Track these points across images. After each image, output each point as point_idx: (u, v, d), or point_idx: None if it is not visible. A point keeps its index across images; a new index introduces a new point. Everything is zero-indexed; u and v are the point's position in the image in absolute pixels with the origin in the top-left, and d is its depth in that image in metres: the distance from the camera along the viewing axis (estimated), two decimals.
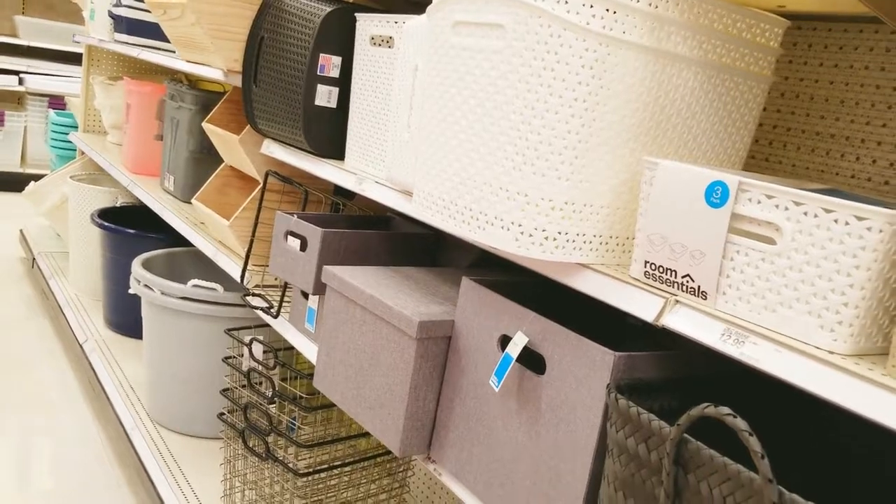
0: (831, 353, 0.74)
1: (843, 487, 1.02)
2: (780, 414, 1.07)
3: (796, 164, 1.25)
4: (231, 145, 1.95)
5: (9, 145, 5.81)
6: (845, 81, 1.17)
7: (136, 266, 2.38)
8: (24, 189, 4.03)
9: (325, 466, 1.83)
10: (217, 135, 2.02)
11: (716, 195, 0.81)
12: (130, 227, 2.95)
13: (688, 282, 0.86)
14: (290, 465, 1.78)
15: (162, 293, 2.24)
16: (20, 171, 5.81)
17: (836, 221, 0.72)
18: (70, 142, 4.37)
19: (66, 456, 2.43)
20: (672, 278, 0.88)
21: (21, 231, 4.28)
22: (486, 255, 1.63)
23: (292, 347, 2.07)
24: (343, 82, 1.60)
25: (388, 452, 1.95)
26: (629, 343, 1.31)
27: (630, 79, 0.91)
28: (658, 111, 0.96)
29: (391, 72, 1.43)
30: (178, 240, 2.85)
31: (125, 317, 3.02)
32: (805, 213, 0.75)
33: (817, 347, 0.75)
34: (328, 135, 1.61)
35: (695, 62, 0.97)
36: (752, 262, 0.79)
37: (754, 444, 0.72)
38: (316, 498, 1.88)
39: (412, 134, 1.23)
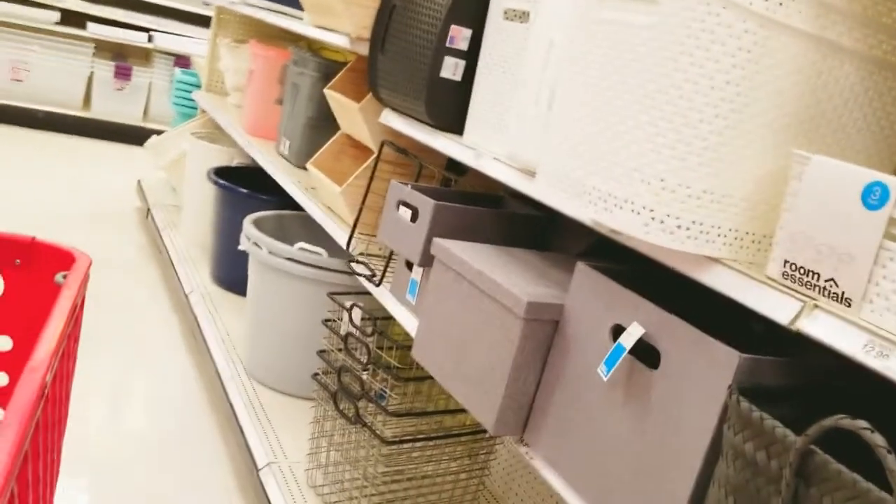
0: None
1: None
2: None
3: None
4: (350, 113, 1.96)
5: (134, 99, 6.08)
6: None
7: (248, 224, 2.44)
8: (144, 142, 4.21)
9: (411, 438, 1.83)
10: (337, 101, 2.05)
11: (874, 196, 0.76)
12: (243, 186, 3.03)
13: (831, 286, 0.81)
14: (378, 432, 1.79)
15: (269, 252, 2.29)
16: (142, 125, 6.07)
17: None
18: (192, 100, 4.53)
19: (164, 399, 2.53)
20: (814, 281, 0.83)
21: (139, 182, 4.47)
22: (598, 244, 1.59)
23: (390, 317, 2.08)
24: (470, 56, 1.59)
25: (474, 433, 1.94)
26: (748, 347, 1.26)
27: (788, 66, 0.86)
28: (813, 104, 0.90)
29: (522, 47, 1.40)
30: (287, 203, 2.91)
31: (231, 273, 3.11)
32: None
33: None
34: (449, 108, 1.60)
35: (858, 56, 0.91)
36: None
37: (891, 462, 0.67)
38: (398, 467, 1.89)
39: (541, 111, 1.20)
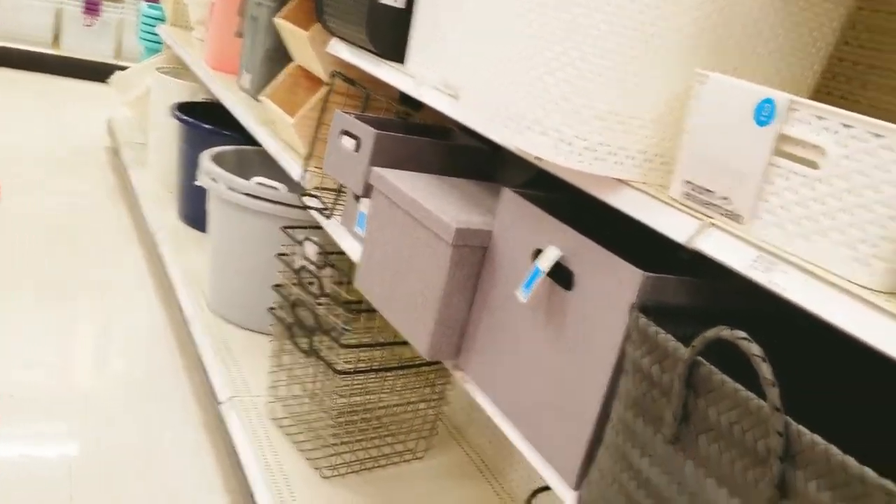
0: (863, 287, 0.70)
1: (870, 434, 0.98)
2: (813, 360, 1.02)
3: (875, 105, 1.17)
4: (300, 42, 1.94)
5: (104, 36, 5.96)
6: None
7: (205, 159, 2.42)
8: None
9: (364, 368, 1.86)
10: (287, 31, 2.02)
11: (764, 113, 0.77)
12: (208, 122, 3.00)
13: (725, 204, 0.82)
14: (331, 363, 1.82)
15: (227, 187, 2.29)
16: (114, 62, 5.97)
17: (885, 147, 0.67)
18: (158, 34, 4.45)
19: (132, 337, 2.55)
20: (710, 200, 0.84)
21: (108, 120, 4.42)
22: (541, 175, 1.60)
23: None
24: None
25: (428, 363, 1.97)
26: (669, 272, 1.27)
27: None
28: (720, 24, 0.90)
29: None
30: (251, 139, 2.89)
31: (196, 210, 3.11)
32: (853, 137, 0.70)
33: (850, 281, 0.71)
34: (392, 36, 1.59)
35: None
36: (792, 186, 0.75)
37: (765, 370, 0.69)
38: (354, 398, 1.93)
39: (463, 34, 1.20)
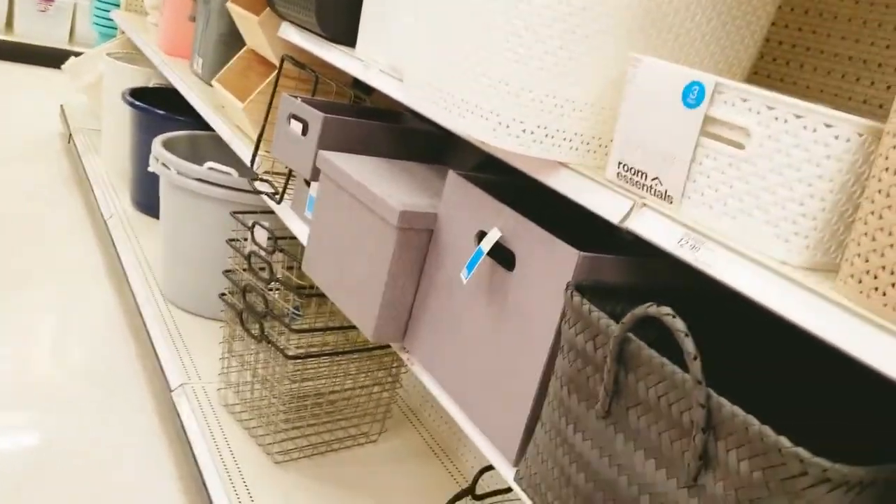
0: (783, 263, 0.72)
1: (799, 411, 1.01)
2: (748, 336, 1.05)
3: (810, 86, 1.19)
4: (251, 27, 1.92)
5: (58, 21, 5.84)
6: (871, 0, 1.11)
7: (157, 145, 2.40)
8: None
9: (316, 352, 1.86)
10: (239, 15, 2.00)
11: (692, 95, 0.78)
12: (162, 108, 2.96)
13: (656, 185, 0.84)
14: (282, 348, 1.81)
15: (178, 173, 2.26)
16: (68, 48, 5.85)
17: (804, 128, 0.69)
18: (112, 20, 4.37)
19: (86, 325, 2.51)
20: (642, 181, 0.85)
21: (62, 106, 4.34)
22: (491, 159, 1.61)
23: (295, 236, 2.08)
24: None
25: (382, 347, 1.98)
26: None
27: None
28: (654, 8, 0.92)
29: None
30: (206, 124, 2.86)
31: (150, 197, 3.07)
32: (776, 118, 0.71)
33: (772, 258, 0.73)
34: (342, 19, 1.58)
35: None
36: (719, 166, 0.77)
37: (688, 344, 0.71)
38: (305, 383, 1.92)
39: (409, 18, 1.20)
